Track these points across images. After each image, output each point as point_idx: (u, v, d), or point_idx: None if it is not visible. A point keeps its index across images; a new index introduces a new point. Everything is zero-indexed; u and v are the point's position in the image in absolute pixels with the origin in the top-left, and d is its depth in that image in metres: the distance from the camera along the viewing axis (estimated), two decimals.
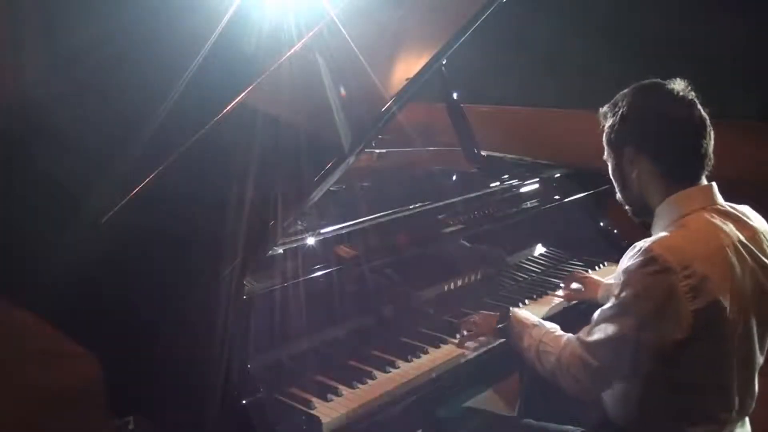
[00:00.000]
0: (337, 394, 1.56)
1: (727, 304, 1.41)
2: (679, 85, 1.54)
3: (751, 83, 2.73)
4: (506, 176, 2.35)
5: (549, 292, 2.13)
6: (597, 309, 1.55)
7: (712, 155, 1.54)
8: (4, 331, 1.64)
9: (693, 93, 1.54)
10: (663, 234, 1.48)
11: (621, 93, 1.60)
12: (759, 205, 1.63)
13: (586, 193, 2.39)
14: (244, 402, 1.39)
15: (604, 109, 1.63)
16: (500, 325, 1.75)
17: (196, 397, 1.44)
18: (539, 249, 2.41)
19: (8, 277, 1.75)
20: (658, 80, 1.57)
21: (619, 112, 1.57)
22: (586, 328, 1.55)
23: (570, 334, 1.61)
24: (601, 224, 2.43)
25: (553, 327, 1.68)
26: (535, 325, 1.69)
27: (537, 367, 1.63)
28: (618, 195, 1.66)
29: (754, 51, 2.69)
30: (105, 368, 1.54)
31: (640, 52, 2.90)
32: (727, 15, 2.65)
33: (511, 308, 1.76)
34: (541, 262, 2.36)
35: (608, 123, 1.60)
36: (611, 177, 1.65)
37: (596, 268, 2.32)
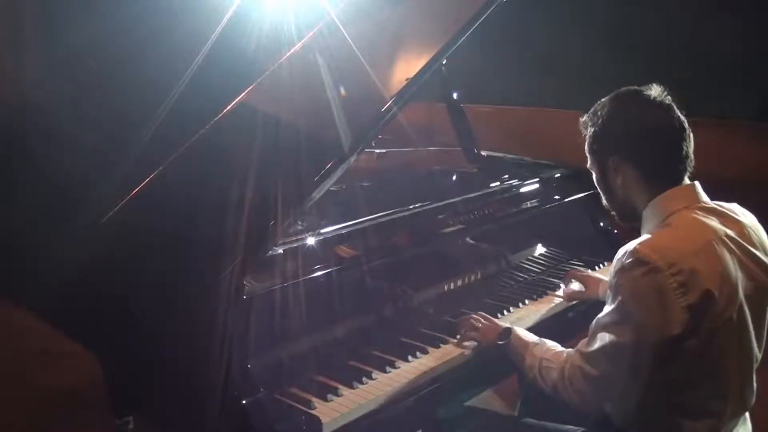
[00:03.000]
0: (337, 394, 1.56)
1: (718, 295, 1.42)
2: (655, 90, 1.56)
3: (750, 83, 2.74)
4: (506, 176, 2.35)
5: (549, 292, 2.13)
6: (597, 308, 1.56)
7: (692, 156, 1.56)
8: (4, 331, 1.64)
9: (669, 97, 1.56)
10: (648, 235, 1.50)
11: (599, 102, 1.62)
12: (759, 206, 1.63)
13: (586, 193, 2.39)
14: (244, 402, 1.39)
15: (584, 118, 1.65)
16: (500, 342, 1.75)
17: (196, 397, 1.44)
18: (539, 249, 2.40)
19: (8, 277, 1.75)
20: (635, 87, 1.59)
21: (599, 122, 1.59)
22: (584, 340, 1.56)
23: (570, 349, 1.61)
24: (601, 224, 2.43)
25: (554, 344, 1.68)
26: (536, 344, 1.69)
27: (540, 383, 1.64)
28: (604, 202, 1.69)
29: (754, 51, 2.69)
30: (105, 368, 1.54)
31: (639, 52, 2.91)
32: (727, 15, 2.66)
33: (512, 327, 1.76)
34: (541, 262, 2.36)
35: (589, 133, 1.63)
36: (596, 185, 1.68)
37: (596, 268, 2.32)
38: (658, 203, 1.54)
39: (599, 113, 1.60)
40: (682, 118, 1.55)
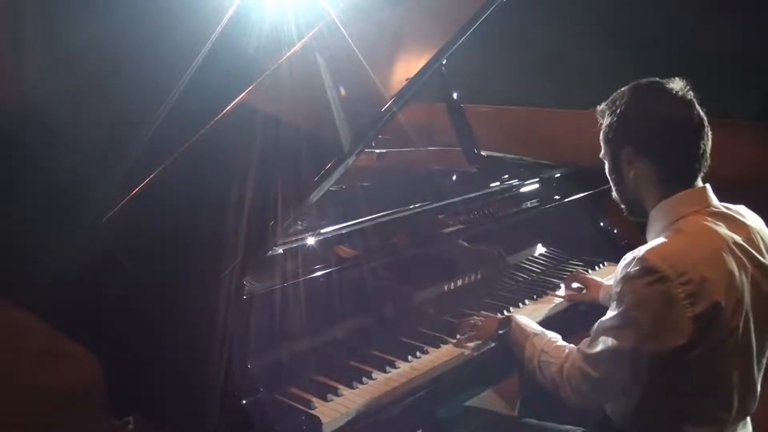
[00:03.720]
0: (337, 394, 1.56)
1: (725, 305, 1.40)
2: (677, 84, 1.52)
3: (750, 83, 2.74)
4: (506, 176, 2.35)
5: (549, 292, 2.13)
6: (597, 309, 1.55)
7: (709, 156, 1.53)
8: (4, 331, 1.64)
9: (691, 92, 1.52)
10: (657, 241, 1.47)
11: (619, 91, 1.59)
12: (759, 206, 1.63)
13: (586, 193, 2.39)
14: (244, 402, 1.39)
15: (602, 106, 1.61)
16: (501, 332, 1.74)
17: (196, 397, 1.45)
18: (539, 249, 2.41)
19: (8, 277, 1.75)
20: (657, 79, 1.55)
21: (617, 112, 1.55)
22: (586, 340, 1.54)
23: (572, 345, 1.60)
24: (601, 224, 2.43)
25: (555, 336, 1.67)
26: (536, 334, 1.68)
27: (538, 376, 1.63)
28: (613, 194, 1.66)
29: (754, 51, 2.69)
30: (105, 368, 1.54)
31: (639, 52, 2.90)
32: (727, 15, 2.66)
33: (512, 316, 1.76)
34: (541, 262, 2.36)
35: (606, 122, 1.59)
36: (607, 176, 1.65)
37: (596, 268, 2.32)
38: (667, 204, 1.52)
39: (617, 102, 1.56)
40: (702, 114, 1.51)
